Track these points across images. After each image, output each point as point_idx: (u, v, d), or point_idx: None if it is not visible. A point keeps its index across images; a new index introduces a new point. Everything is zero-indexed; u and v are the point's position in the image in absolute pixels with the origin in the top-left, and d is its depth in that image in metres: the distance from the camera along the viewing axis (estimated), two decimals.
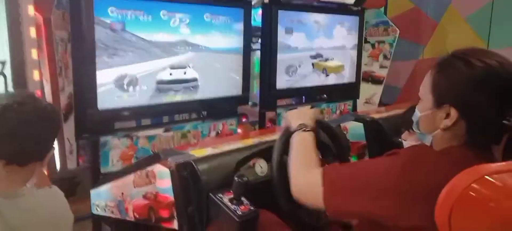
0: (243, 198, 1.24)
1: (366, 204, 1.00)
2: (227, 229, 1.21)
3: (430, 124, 1.04)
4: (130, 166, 1.66)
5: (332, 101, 3.00)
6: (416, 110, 1.08)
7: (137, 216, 1.50)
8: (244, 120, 2.86)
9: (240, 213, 1.19)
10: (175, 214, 1.30)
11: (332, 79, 2.90)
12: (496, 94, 0.93)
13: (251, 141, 1.54)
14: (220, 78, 2.20)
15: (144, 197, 1.44)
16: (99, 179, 1.83)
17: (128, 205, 1.54)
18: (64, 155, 1.68)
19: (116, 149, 1.86)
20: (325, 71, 2.83)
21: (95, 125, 1.79)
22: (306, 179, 1.12)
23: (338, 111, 3.00)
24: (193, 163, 1.29)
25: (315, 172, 1.10)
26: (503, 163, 0.75)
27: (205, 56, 2.10)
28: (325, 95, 3.01)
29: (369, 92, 3.29)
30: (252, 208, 1.22)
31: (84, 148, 1.86)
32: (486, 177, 0.72)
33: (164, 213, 1.35)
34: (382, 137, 1.95)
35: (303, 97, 2.98)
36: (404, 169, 0.98)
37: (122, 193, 1.56)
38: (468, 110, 0.96)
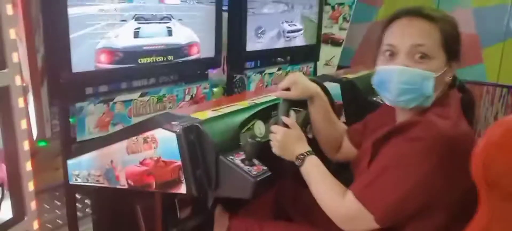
0: (254, 159, 1.25)
1: (419, 201, 0.98)
2: (242, 190, 1.21)
3: (440, 83, 1.05)
4: (120, 132, 1.57)
5: (295, 64, 3.05)
6: (424, 72, 1.02)
7: (132, 183, 1.44)
8: None
9: (255, 173, 1.20)
10: (182, 178, 1.28)
11: (294, 42, 2.92)
12: None
13: (246, 103, 1.54)
14: (192, 40, 2.13)
15: (141, 163, 1.39)
16: (72, 148, 1.71)
17: (119, 172, 1.47)
18: (42, 122, 1.52)
19: (92, 115, 1.74)
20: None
21: (68, 90, 1.64)
22: (345, 209, 1.07)
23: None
24: (199, 126, 1.26)
25: (349, 199, 1.05)
26: None
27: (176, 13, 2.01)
28: (289, 58, 3.04)
29: (329, 54, 3.39)
30: (264, 168, 1.23)
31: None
32: None
33: (169, 178, 1.31)
34: (357, 96, 2.04)
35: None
36: (432, 148, 0.95)
37: (112, 161, 1.48)
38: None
